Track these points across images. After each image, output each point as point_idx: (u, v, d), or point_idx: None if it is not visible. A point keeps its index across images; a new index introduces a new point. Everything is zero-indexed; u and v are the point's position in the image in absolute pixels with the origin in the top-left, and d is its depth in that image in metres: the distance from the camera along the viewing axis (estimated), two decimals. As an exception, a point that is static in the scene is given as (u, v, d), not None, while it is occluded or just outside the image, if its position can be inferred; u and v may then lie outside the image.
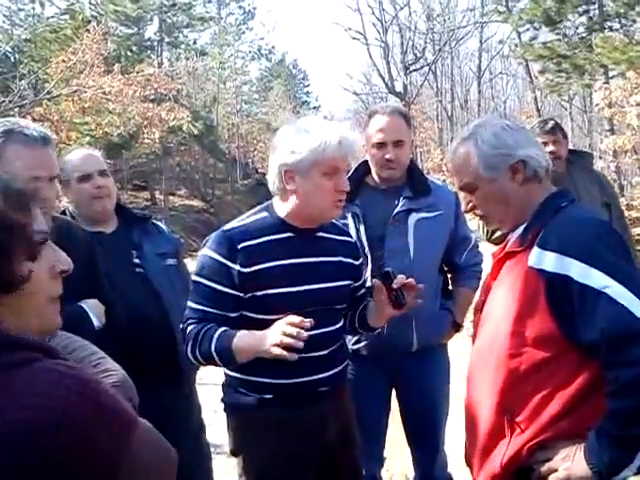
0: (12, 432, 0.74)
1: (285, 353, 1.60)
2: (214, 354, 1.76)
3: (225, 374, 1.98)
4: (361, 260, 2.11)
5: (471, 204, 1.69)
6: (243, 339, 1.74)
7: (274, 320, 1.73)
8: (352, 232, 2.31)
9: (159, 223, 2.57)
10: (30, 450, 0.74)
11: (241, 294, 1.83)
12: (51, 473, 0.76)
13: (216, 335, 1.76)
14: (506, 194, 1.61)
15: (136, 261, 2.33)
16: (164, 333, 2.25)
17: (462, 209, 1.79)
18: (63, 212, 2.37)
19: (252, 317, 1.85)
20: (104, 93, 12.48)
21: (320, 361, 1.88)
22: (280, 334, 1.61)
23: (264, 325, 1.76)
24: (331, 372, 1.92)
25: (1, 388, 0.77)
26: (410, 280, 1.86)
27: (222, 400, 1.99)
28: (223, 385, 1.99)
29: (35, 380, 0.78)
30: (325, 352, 1.89)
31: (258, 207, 1.98)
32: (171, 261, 2.45)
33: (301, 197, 1.84)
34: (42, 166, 1.77)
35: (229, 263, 1.81)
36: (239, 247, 1.82)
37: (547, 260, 1.46)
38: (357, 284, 2.06)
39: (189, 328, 1.82)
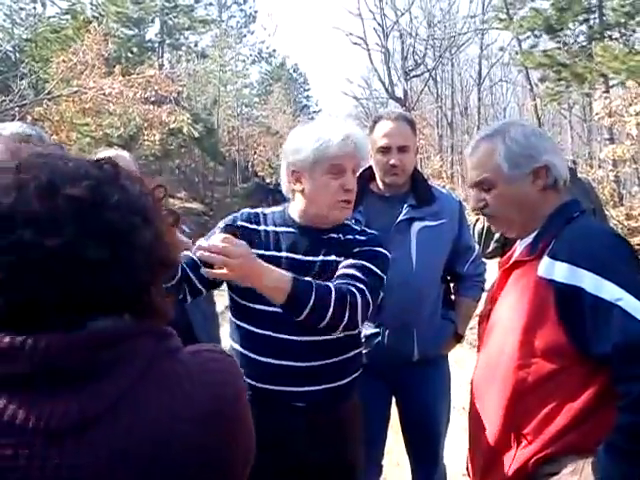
0: (200, 416, 0.79)
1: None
2: None
3: None
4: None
5: (482, 202, 1.64)
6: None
7: (258, 310, 1.77)
8: None
9: (184, 227, 2.55)
10: (225, 428, 0.80)
11: None
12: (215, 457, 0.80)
13: None
14: (522, 197, 1.59)
15: None
16: (188, 340, 2.23)
17: (470, 206, 1.75)
18: None
19: (237, 302, 1.86)
20: (104, 94, 12.46)
21: (295, 373, 1.77)
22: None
23: (249, 313, 1.80)
24: (309, 388, 1.80)
25: (172, 371, 0.81)
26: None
27: None
28: None
29: (208, 369, 0.84)
30: (302, 364, 1.77)
31: (280, 205, 2.01)
32: None
33: (307, 197, 1.84)
34: None
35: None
36: (238, 224, 1.89)
37: (558, 270, 1.44)
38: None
39: None
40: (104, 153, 2.41)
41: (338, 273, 1.78)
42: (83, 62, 12.55)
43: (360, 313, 1.70)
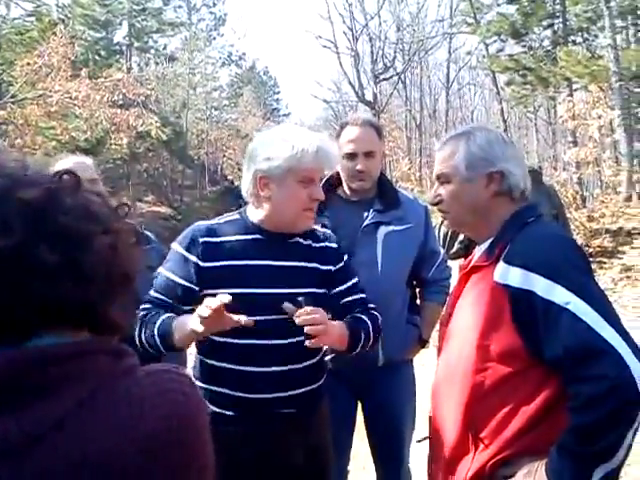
0: (155, 434, 0.77)
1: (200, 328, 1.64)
2: (156, 336, 1.77)
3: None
4: (340, 266, 2.02)
5: (439, 197, 1.70)
6: (181, 319, 1.76)
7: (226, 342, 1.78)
8: None
9: (148, 233, 2.52)
10: (176, 448, 0.79)
11: (196, 288, 1.84)
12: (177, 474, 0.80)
13: (161, 319, 1.79)
14: (474, 199, 1.63)
15: None
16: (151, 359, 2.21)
17: (428, 201, 1.82)
18: None
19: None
20: (71, 98, 12.30)
21: (278, 378, 1.80)
22: (204, 306, 1.61)
23: (215, 344, 1.81)
24: (293, 392, 1.84)
25: (124, 391, 0.79)
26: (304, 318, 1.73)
27: None
28: None
29: (161, 390, 0.81)
30: (284, 368, 1.80)
31: (234, 212, 2.01)
32: None
33: (274, 204, 1.85)
34: None
35: (188, 255, 1.86)
36: (200, 241, 1.87)
37: (512, 275, 1.47)
38: (335, 291, 1.98)
39: (141, 313, 1.83)
40: (65, 160, 2.38)
41: (349, 299, 2.00)
42: (49, 65, 12.38)
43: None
